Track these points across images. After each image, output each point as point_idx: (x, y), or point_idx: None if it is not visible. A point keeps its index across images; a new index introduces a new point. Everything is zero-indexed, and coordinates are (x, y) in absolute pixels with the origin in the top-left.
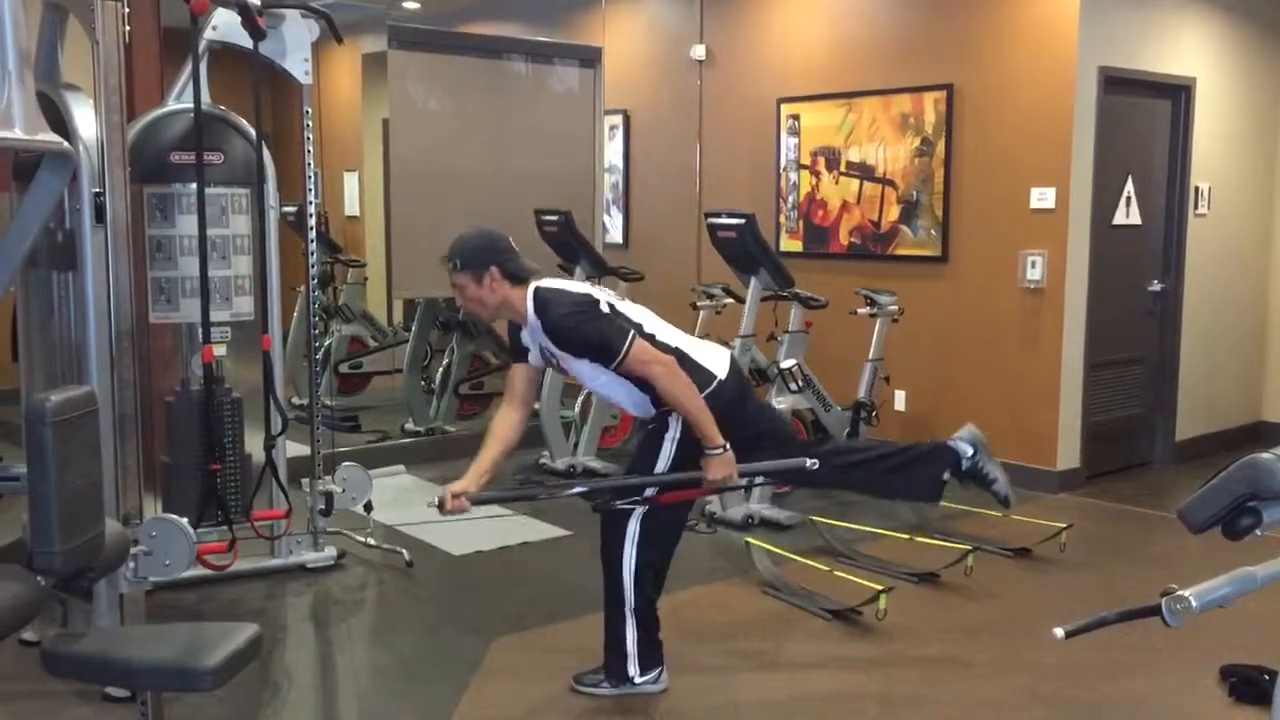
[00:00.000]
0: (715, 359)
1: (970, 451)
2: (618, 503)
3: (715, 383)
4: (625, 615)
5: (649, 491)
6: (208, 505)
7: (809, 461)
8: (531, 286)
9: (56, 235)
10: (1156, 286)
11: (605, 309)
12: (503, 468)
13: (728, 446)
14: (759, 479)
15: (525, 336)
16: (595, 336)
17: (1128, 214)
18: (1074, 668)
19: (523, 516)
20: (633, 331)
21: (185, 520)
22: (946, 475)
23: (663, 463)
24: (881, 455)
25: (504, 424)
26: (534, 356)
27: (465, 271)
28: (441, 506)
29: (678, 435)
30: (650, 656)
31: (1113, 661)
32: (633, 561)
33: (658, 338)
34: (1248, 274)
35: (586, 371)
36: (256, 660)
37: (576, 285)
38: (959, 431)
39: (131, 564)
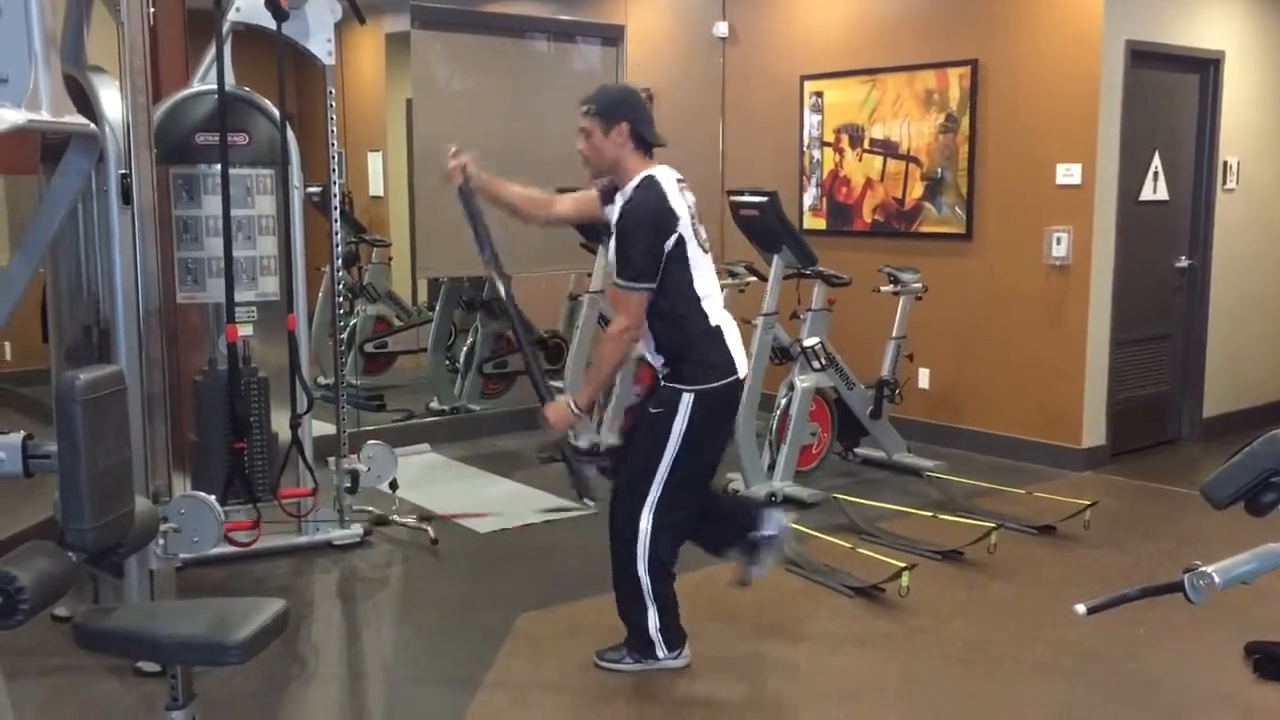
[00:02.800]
0: (741, 357)
1: (769, 533)
2: (625, 525)
3: (732, 378)
4: (645, 604)
5: (653, 495)
6: (234, 483)
7: (588, 500)
8: (652, 168)
9: (91, 333)
10: (1184, 263)
11: (670, 244)
12: (503, 453)
13: (581, 416)
14: (570, 459)
15: (618, 198)
16: (629, 247)
17: (1155, 189)
18: (1096, 645)
19: (546, 494)
20: (649, 286)
21: (214, 498)
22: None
23: (668, 456)
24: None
25: (539, 193)
26: (610, 210)
27: (598, 118)
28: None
29: (684, 427)
30: (673, 635)
31: (1135, 638)
32: (647, 553)
33: (704, 304)
34: (1277, 249)
35: (613, 264)
36: (283, 635)
37: (683, 201)
38: (778, 514)
39: (161, 541)
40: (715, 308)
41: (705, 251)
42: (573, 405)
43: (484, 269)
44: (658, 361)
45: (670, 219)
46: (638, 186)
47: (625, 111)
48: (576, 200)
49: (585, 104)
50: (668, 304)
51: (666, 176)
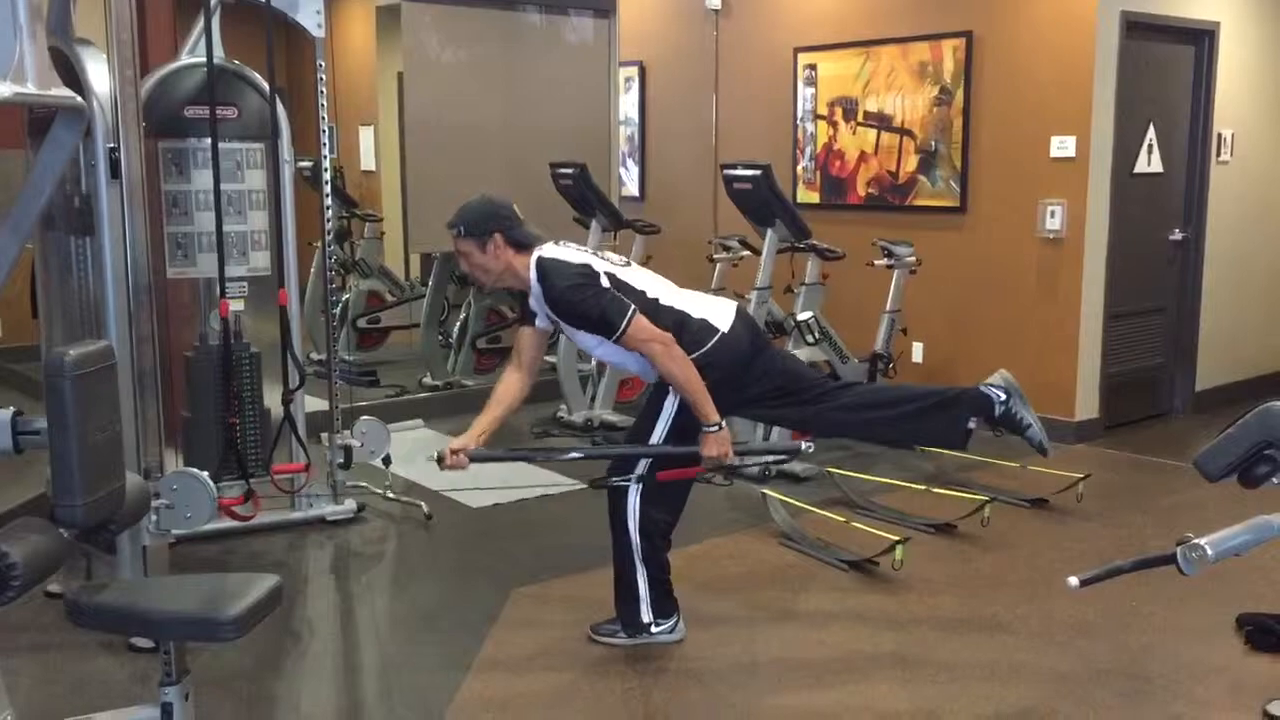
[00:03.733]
0: (719, 313)
1: (1003, 396)
2: (614, 479)
3: (717, 336)
4: (635, 564)
5: (641, 468)
6: (227, 459)
7: (804, 444)
8: (534, 254)
9: (74, 200)
10: (1178, 235)
11: (605, 282)
12: (503, 427)
13: (723, 425)
14: (753, 459)
15: (532, 302)
16: (595, 311)
17: (1149, 162)
18: (1089, 617)
19: (540, 469)
20: (633, 308)
21: (206, 474)
22: (973, 424)
23: (660, 429)
24: (907, 399)
25: (507, 387)
26: (541, 321)
27: (469, 238)
28: (441, 462)
29: (677, 400)
30: (664, 603)
31: (1128, 610)
32: (637, 517)
33: (661, 302)
34: (1271, 222)
35: (590, 341)
36: (277, 611)
37: (578, 255)
38: (991, 377)
39: (153, 517)
40: (672, 297)
41: (628, 265)
42: (709, 428)
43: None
44: (650, 376)
45: (588, 272)
46: (541, 276)
47: (494, 224)
48: (529, 347)
49: (452, 228)
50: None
51: (549, 249)
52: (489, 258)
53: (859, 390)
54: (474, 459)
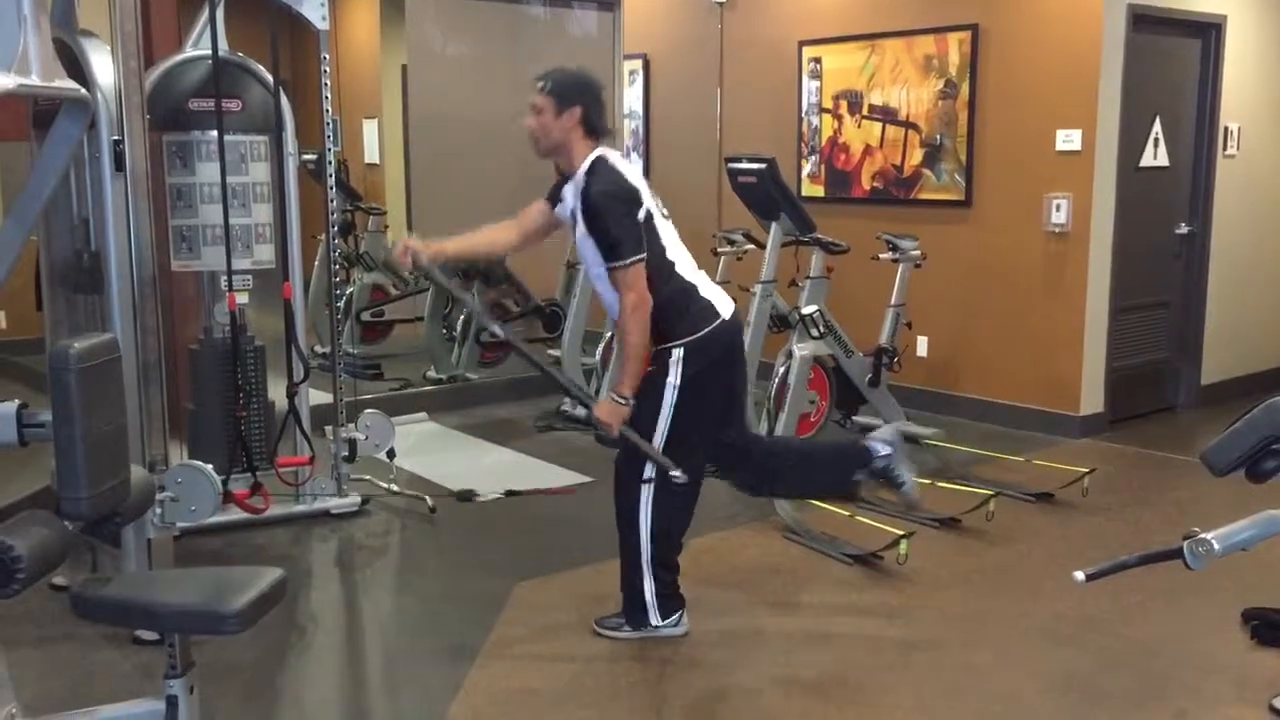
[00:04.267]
0: (721, 300)
1: (884, 450)
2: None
3: (718, 321)
4: (642, 568)
5: (651, 470)
6: (233, 452)
7: (676, 473)
8: (597, 150)
9: (82, 258)
10: (1184, 229)
11: (641, 216)
12: (499, 393)
13: (630, 401)
14: (634, 447)
15: (567, 189)
16: (613, 232)
17: (1155, 155)
18: (1095, 612)
19: (544, 462)
20: (641, 256)
21: (210, 467)
22: (859, 475)
23: (661, 426)
24: (798, 453)
25: (494, 230)
26: (563, 209)
27: (552, 97)
28: (392, 247)
29: (678, 382)
30: (670, 604)
31: (1134, 605)
32: (649, 524)
33: (676, 268)
34: (1278, 216)
35: (589, 255)
36: (282, 604)
37: (636, 177)
38: (880, 430)
39: (158, 510)
40: (687, 268)
41: (666, 219)
42: (617, 397)
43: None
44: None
45: (635, 193)
46: (591, 171)
47: (580, 96)
48: (536, 214)
49: (540, 80)
50: (647, 275)
51: (615, 155)
52: (558, 124)
53: (759, 447)
54: (418, 263)
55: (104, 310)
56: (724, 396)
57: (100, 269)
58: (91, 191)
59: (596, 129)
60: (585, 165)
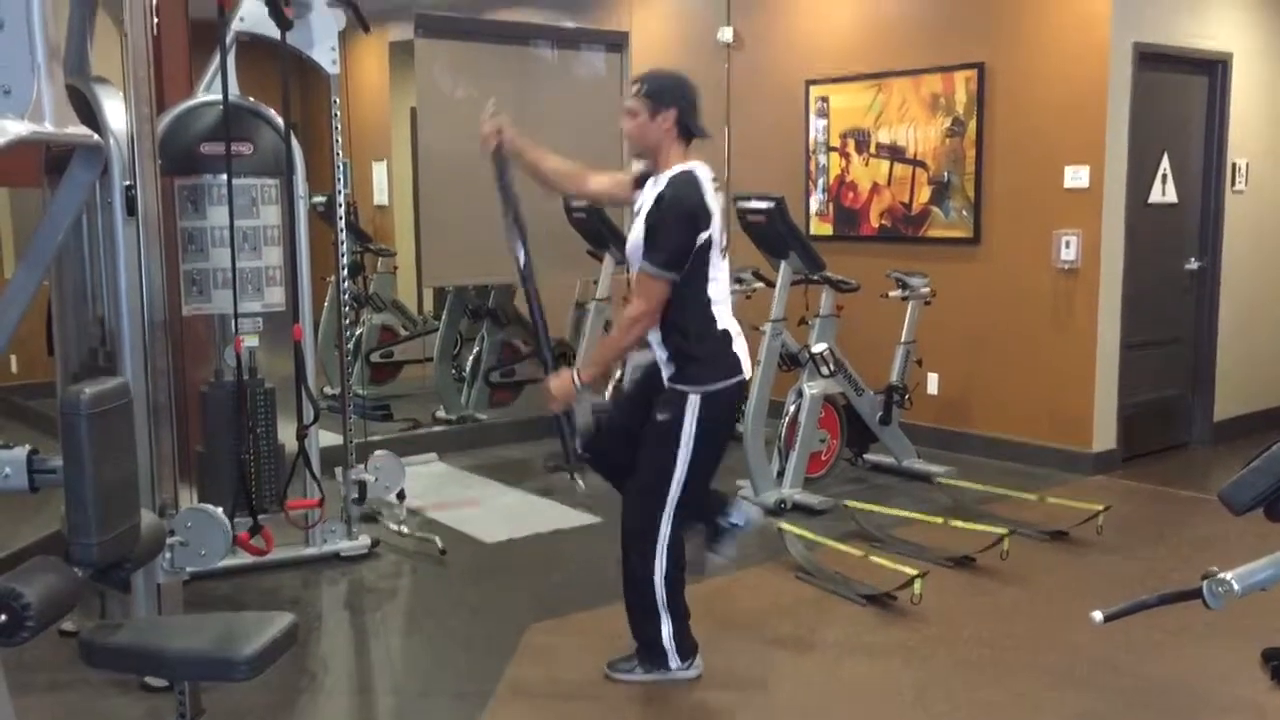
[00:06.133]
0: (747, 361)
1: (740, 522)
2: (632, 553)
3: (738, 378)
4: (658, 614)
5: (664, 531)
6: (239, 494)
7: (580, 483)
8: (691, 162)
9: (98, 357)
10: (1194, 265)
11: (702, 239)
12: (516, 462)
13: (582, 386)
14: (566, 428)
15: (650, 183)
16: (664, 237)
17: (1164, 192)
18: (1112, 652)
19: (554, 503)
20: (674, 277)
21: (220, 510)
22: (699, 524)
23: (679, 469)
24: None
25: (570, 165)
26: (638, 197)
27: (648, 99)
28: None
29: (694, 432)
30: (685, 645)
31: (1152, 645)
32: (663, 574)
33: (712, 308)
34: None
35: (634, 252)
36: (293, 649)
37: (717, 200)
38: (748, 506)
39: (168, 554)
40: (724, 313)
41: (724, 256)
42: (576, 378)
43: (504, 235)
44: (662, 355)
45: (705, 216)
46: (676, 178)
47: (675, 98)
48: (612, 179)
49: (636, 83)
50: (681, 300)
51: (705, 174)
52: (654, 126)
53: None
54: (500, 148)
55: (117, 359)
56: (725, 441)
57: (117, 365)
58: (103, 236)
59: (691, 131)
60: (673, 171)
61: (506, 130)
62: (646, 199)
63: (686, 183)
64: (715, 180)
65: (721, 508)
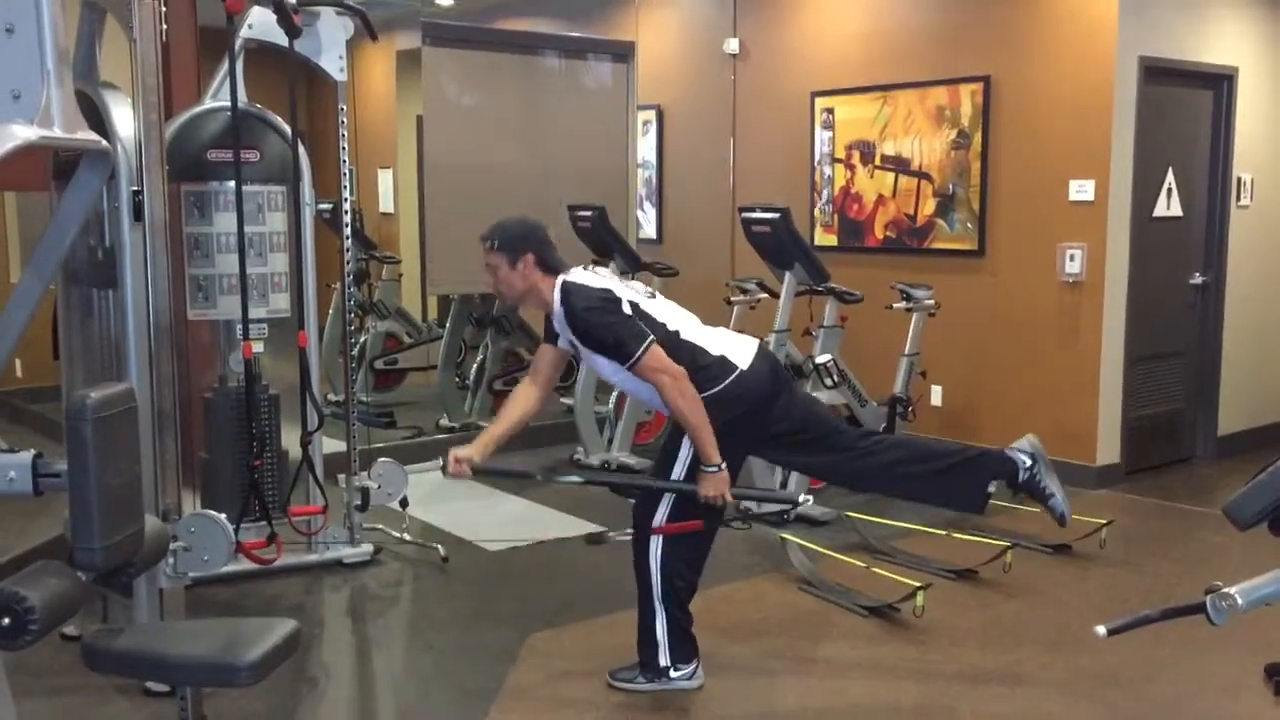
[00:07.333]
0: (739, 350)
1: (1028, 463)
2: (633, 531)
3: (735, 374)
4: (654, 605)
5: (659, 517)
6: (246, 501)
7: (804, 497)
8: (560, 278)
9: (97, 253)
10: (1198, 279)
11: (627, 309)
12: (512, 441)
13: (723, 467)
14: (751, 503)
15: (555, 324)
16: (611, 336)
17: (1169, 206)
18: (1115, 666)
19: (557, 511)
20: (650, 339)
21: (224, 516)
22: (993, 486)
23: (677, 471)
24: (932, 455)
25: (520, 399)
26: (563, 342)
27: (501, 253)
28: (445, 469)
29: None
30: (682, 647)
31: (1154, 660)
32: (658, 560)
33: (681, 335)
34: None
35: (606, 368)
36: (294, 655)
37: (602, 280)
38: (1019, 441)
39: (171, 560)
40: (692, 332)
41: (652, 298)
42: (708, 468)
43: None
44: (657, 401)
45: (610, 296)
46: (565, 301)
47: (528, 245)
48: (547, 364)
49: (486, 240)
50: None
51: (576, 274)
52: (517, 275)
53: (883, 441)
54: (476, 470)
55: (120, 358)
56: (763, 440)
57: (115, 262)
58: (110, 234)
59: (552, 267)
60: (557, 296)
61: (464, 458)
62: (566, 333)
63: (575, 292)
64: (587, 268)
65: (1008, 467)
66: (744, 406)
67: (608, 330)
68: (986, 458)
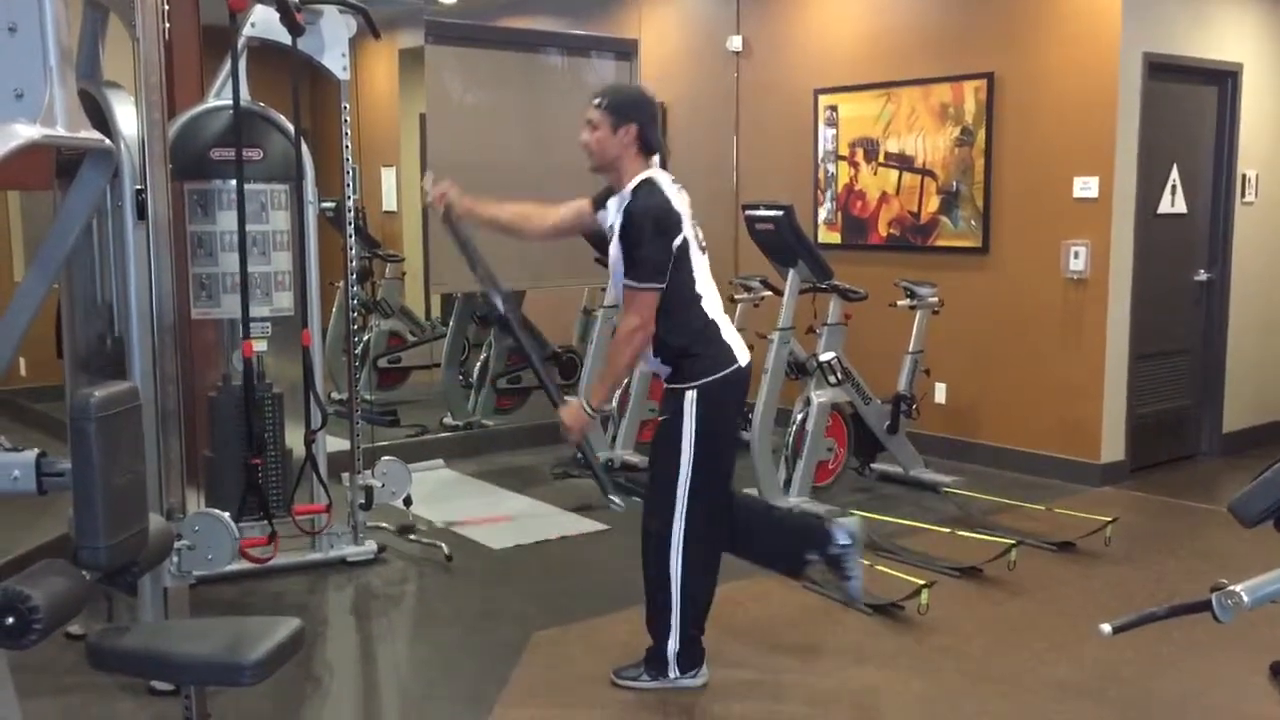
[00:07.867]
0: (741, 348)
1: (844, 540)
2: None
3: (734, 367)
4: (671, 626)
5: (680, 510)
6: (249, 500)
7: (617, 500)
8: (647, 172)
9: (106, 343)
10: (1203, 276)
11: (677, 243)
12: (518, 441)
13: (595, 415)
14: (586, 463)
15: (613, 201)
16: (640, 251)
17: (1173, 203)
18: (1120, 664)
19: (561, 510)
20: (659, 285)
21: (228, 515)
22: (813, 556)
23: (684, 469)
24: (763, 515)
25: (528, 208)
26: (604, 216)
27: (609, 113)
28: (425, 195)
29: (695, 429)
30: (690, 658)
31: (1158, 657)
32: (679, 575)
33: (703, 303)
34: None
35: (617, 268)
36: (298, 654)
37: (681, 202)
38: (844, 519)
39: (175, 558)
40: (713, 306)
41: (703, 251)
42: (586, 406)
43: (479, 286)
44: (659, 366)
45: (675, 220)
46: (639, 189)
47: (636, 113)
48: (572, 209)
49: (597, 98)
50: (669, 303)
51: (664, 178)
52: (614, 141)
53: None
54: (450, 213)
55: (125, 351)
56: (733, 434)
57: (124, 355)
58: (114, 240)
59: (651, 146)
60: (634, 182)
61: (452, 192)
62: (614, 217)
63: (650, 192)
64: (676, 182)
65: (822, 538)
66: (732, 398)
67: (644, 244)
68: (811, 527)
